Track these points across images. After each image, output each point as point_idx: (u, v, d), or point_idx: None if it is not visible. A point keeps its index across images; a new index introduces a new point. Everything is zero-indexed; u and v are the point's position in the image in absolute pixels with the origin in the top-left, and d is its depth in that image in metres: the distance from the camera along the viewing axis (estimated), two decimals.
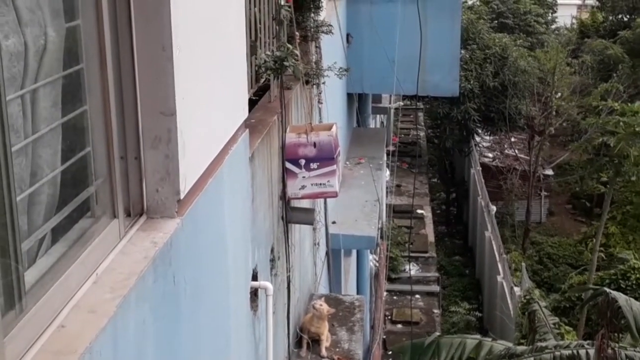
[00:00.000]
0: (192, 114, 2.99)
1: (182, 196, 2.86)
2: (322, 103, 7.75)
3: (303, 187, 5.63)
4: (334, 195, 5.94)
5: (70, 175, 2.50)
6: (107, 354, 2.13)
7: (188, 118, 2.91)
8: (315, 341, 6.45)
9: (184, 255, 2.89)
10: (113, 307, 2.22)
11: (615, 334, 9.51)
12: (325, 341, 6.47)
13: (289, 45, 5.31)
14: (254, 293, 4.40)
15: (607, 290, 9.73)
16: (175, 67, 2.75)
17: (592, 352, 9.42)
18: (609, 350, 9.11)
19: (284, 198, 5.60)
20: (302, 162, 5.60)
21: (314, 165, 5.61)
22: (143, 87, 2.74)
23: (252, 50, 4.96)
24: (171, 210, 2.83)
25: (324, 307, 6.35)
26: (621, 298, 9.30)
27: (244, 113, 4.04)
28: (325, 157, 5.62)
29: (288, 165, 5.63)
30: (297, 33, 6.36)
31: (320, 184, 5.63)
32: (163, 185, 2.82)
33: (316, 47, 7.49)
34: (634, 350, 9.91)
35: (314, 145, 5.60)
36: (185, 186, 2.90)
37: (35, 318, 2.03)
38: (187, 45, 2.88)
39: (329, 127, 5.88)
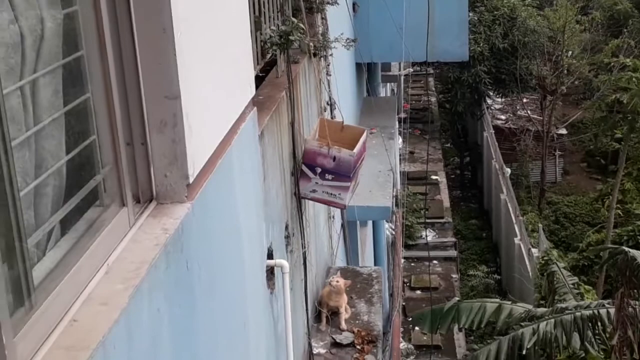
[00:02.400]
0: (197, 95, 2.93)
1: (191, 180, 2.82)
2: (330, 75, 7.67)
3: (314, 191, 5.66)
4: (342, 207, 6.03)
5: (76, 164, 2.46)
6: (121, 346, 2.10)
7: (193, 100, 2.85)
8: (335, 314, 6.44)
9: (196, 239, 2.86)
10: (125, 298, 2.18)
11: (635, 292, 9.47)
12: (345, 314, 6.47)
13: (294, 19, 5.23)
14: (270, 271, 4.38)
15: (626, 249, 9.67)
16: (177, 49, 2.69)
17: (612, 311, 9.39)
18: (630, 309, 9.08)
19: (298, 195, 5.60)
20: (319, 170, 5.62)
21: (329, 177, 5.62)
22: (145, 71, 2.68)
23: (257, 25, 4.89)
24: (181, 195, 2.79)
25: (340, 282, 6.34)
26: None
27: (251, 91, 3.97)
28: (342, 173, 5.62)
29: (304, 168, 5.63)
30: (302, 5, 6.27)
31: (331, 194, 5.66)
32: (171, 169, 2.77)
33: (322, 18, 7.40)
34: None
35: (333, 159, 5.59)
36: (194, 170, 2.85)
37: (45, 314, 1.99)
38: (188, 25, 2.82)
39: (359, 136, 5.83)
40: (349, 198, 5.76)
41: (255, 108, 4.03)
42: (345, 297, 6.51)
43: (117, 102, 2.60)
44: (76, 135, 2.47)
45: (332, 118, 7.34)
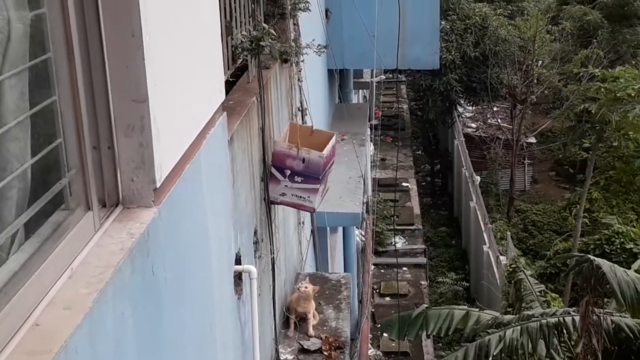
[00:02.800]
0: (166, 99, 2.93)
1: (158, 185, 2.81)
2: (302, 81, 7.68)
3: (283, 194, 5.65)
4: (311, 210, 5.99)
5: (42, 167, 2.44)
6: (84, 351, 2.09)
7: (162, 104, 2.85)
8: (303, 320, 6.44)
9: (163, 244, 2.85)
10: (89, 303, 2.17)
11: (600, 300, 9.58)
12: (313, 320, 6.47)
13: (265, 25, 5.23)
14: (238, 277, 4.37)
15: (591, 257, 9.78)
16: (145, 53, 2.69)
17: (577, 319, 9.50)
18: (594, 317, 9.19)
19: (267, 201, 5.59)
20: (288, 172, 5.61)
21: (298, 179, 5.61)
22: (113, 74, 2.67)
23: (228, 30, 4.88)
24: (147, 199, 2.78)
25: (309, 288, 6.35)
26: (605, 264, 9.36)
27: (221, 96, 3.97)
28: (311, 175, 5.62)
29: (273, 170, 5.62)
30: (274, 11, 6.28)
31: (301, 197, 5.64)
32: (138, 174, 2.76)
33: (294, 24, 7.41)
34: (620, 316, 10.01)
35: (303, 160, 5.59)
36: (161, 174, 2.84)
37: (8, 318, 1.98)
38: (157, 29, 2.81)
39: (328, 139, 5.84)
40: (318, 202, 5.77)
41: (225, 113, 4.03)
42: (313, 303, 6.51)
43: (84, 105, 2.58)
44: (42, 138, 2.45)
45: (303, 124, 7.35)
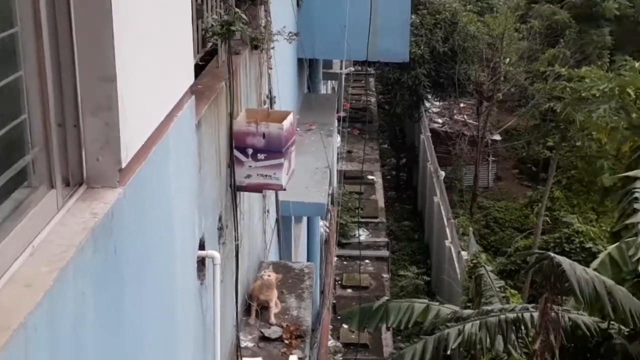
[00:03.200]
0: (134, 79, 2.90)
1: (123, 165, 2.78)
2: (271, 68, 7.64)
3: (249, 176, 5.57)
4: (280, 188, 5.86)
5: (5, 144, 2.40)
6: (43, 328, 2.06)
7: (130, 84, 2.82)
8: (265, 308, 6.44)
9: (126, 225, 2.82)
10: (50, 281, 2.15)
11: (559, 297, 9.70)
12: (275, 308, 6.47)
13: (237, 9, 5.19)
14: (201, 262, 4.35)
15: (552, 254, 9.87)
16: (115, 32, 2.65)
17: (536, 315, 9.61)
18: (553, 314, 9.30)
19: (233, 187, 5.53)
20: (250, 151, 5.54)
21: (261, 156, 5.54)
22: (81, 52, 2.64)
23: (199, 13, 4.84)
24: (112, 179, 2.75)
25: (272, 276, 6.34)
26: (565, 262, 9.46)
27: (190, 79, 3.94)
28: (273, 149, 5.55)
29: (236, 152, 5.56)
30: None
31: (266, 176, 5.57)
32: (103, 154, 2.73)
33: (265, 10, 7.37)
34: (577, 313, 10.15)
35: (263, 136, 5.53)
36: (127, 155, 2.82)
37: None
38: (127, 8, 2.78)
39: (285, 116, 5.79)
40: (284, 179, 5.70)
41: (193, 97, 4.00)
42: (275, 292, 6.51)
43: (50, 82, 2.55)
44: (6, 114, 2.41)
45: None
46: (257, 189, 5.87)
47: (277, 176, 5.61)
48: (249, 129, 5.53)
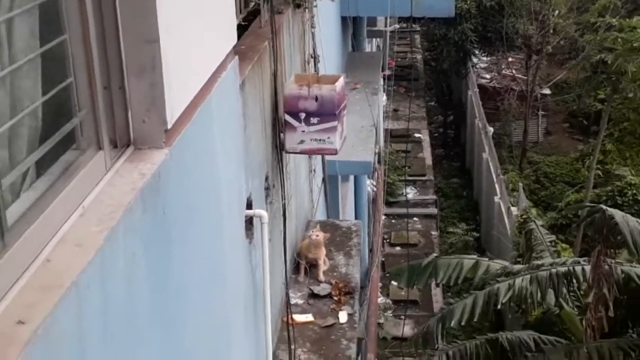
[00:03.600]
0: (177, 41, 2.91)
1: (169, 126, 2.81)
2: (315, 27, 7.60)
3: (302, 141, 5.47)
4: (334, 152, 5.71)
5: (53, 107, 2.44)
6: (94, 286, 2.11)
7: (173, 45, 2.83)
8: (313, 266, 6.49)
9: (173, 185, 2.86)
10: (100, 240, 2.19)
11: (612, 250, 9.58)
12: (323, 266, 6.52)
13: None
14: (249, 221, 4.39)
15: (604, 207, 9.75)
16: None
17: (587, 268, 9.51)
18: (605, 267, 9.20)
19: (279, 148, 5.48)
20: (302, 115, 5.43)
21: (314, 120, 5.43)
22: (124, 14, 2.65)
23: None
24: (159, 140, 2.78)
25: (320, 235, 6.39)
26: (618, 214, 9.33)
27: (233, 39, 3.94)
28: (326, 112, 5.43)
29: (287, 117, 5.45)
30: None
31: (320, 140, 5.45)
32: (149, 115, 2.76)
33: None
34: (630, 265, 10.02)
35: (316, 99, 5.43)
36: (172, 116, 2.84)
37: (19, 253, 2.00)
38: None
39: (335, 80, 5.69)
40: (339, 143, 5.60)
41: (236, 57, 4.00)
42: (324, 250, 6.56)
43: (94, 45, 2.57)
44: (53, 77, 2.44)
45: (315, 71, 7.29)
46: (311, 154, 5.78)
47: (330, 140, 5.51)
48: (301, 92, 5.46)
